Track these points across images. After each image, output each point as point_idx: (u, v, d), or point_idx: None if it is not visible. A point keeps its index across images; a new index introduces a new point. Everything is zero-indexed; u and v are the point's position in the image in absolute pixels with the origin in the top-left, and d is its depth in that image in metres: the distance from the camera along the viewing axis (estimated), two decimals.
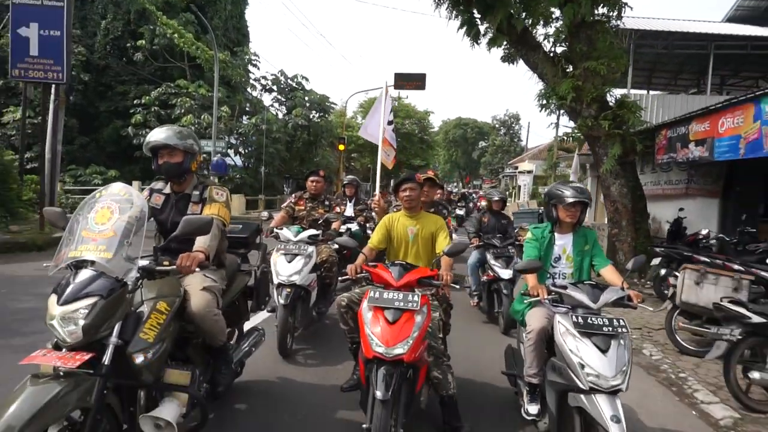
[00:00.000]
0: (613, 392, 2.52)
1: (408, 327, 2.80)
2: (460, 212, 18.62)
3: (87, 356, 2.11)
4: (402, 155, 37.52)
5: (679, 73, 21.82)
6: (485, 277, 6.33)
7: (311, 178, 5.81)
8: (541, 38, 10.90)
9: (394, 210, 4.36)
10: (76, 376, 2.09)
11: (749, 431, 3.51)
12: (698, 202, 11.02)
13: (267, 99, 25.65)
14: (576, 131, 11.32)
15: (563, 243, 3.36)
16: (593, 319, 2.71)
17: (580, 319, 2.71)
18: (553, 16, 10.58)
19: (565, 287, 2.95)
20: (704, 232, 8.31)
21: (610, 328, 2.65)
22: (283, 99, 24.88)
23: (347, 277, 3.27)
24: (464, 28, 11.23)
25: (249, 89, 24.65)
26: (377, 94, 31.93)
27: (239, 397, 3.65)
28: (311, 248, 4.87)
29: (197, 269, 2.65)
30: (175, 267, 2.53)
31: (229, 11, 25.76)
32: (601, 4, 10.12)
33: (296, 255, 4.73)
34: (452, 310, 3.86)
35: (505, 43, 11.03)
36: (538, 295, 2.99)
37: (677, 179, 11.66)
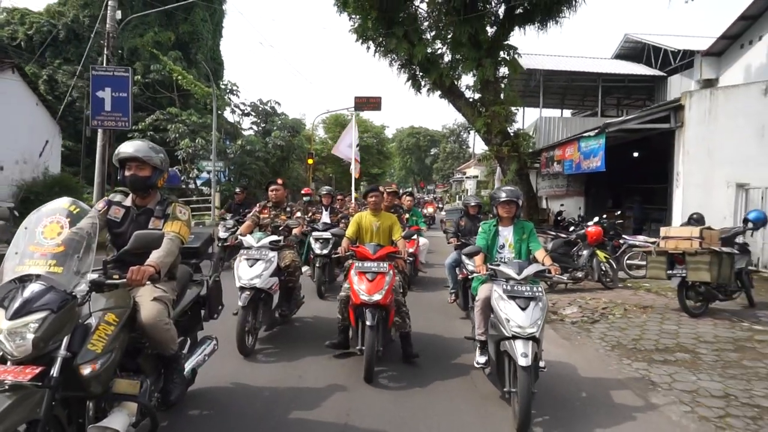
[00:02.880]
0: (530, 338, 3.35)
1: (381, 282, 4.25)
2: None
3: (38, 370, 2.12)
4: (362, 165, 42.03)
5: (584, 96, 27.15)
6: (460, 276, 6.55)
7: (271, 188, 6.00)
8: (463, 89, 15.72)
9: (362, 210, 6.05)
10: (24, 389, 2.07)
11: None
12: (574, 200, 16.05)
13: (246, 122, 29.64)
14: (489, 152, 16.08)
15: (506, 234, 4.17)
16: (518, 287, 3.55)
17: (509, 287, 3.56)
18: (472, 73, 15.27)
19: (498, 265, 3.82)
20: (564, 217, 13.14)
21: (530, 293, 3.50)
22: (261, 122, 28.90)
23: (339, 255, 4.88)
24: (410, 82, 15.92)
25: (230, 114, 28.60)
26: (337, 112, 36.44)
27: (197, 398, 3.71)
28: (272, 254, 5.08)
29: (147, 283, 2.66)
30: (125, 280, 2.53)
31: (210, 45, 29.59)
32: (501, 68, 14.99)
33: (257, 260, 4.94)
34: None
35: (438, 92, 15.71)
36: (481, 273, 3.92)
37: (562, 184, 16.65)
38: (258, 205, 6.09)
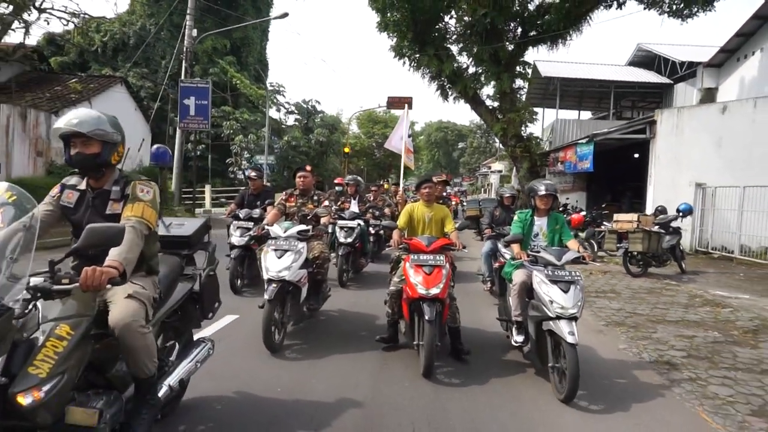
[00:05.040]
0: (572, 318, 3.72)
1: (439, 276, 4.21)
2: None
3: None
4: (392, 159, 45.07)
5: (601, 99, 29.34)
6: (496, 264, 6.63)
7: (299, 174, 5.77)
8: (484, 97, 18.40)
9: (412, 201, 6.20)
10: None
11: None
12: (577, 194, 18.57)
13: (290, 119, 32.89)
14: (505, 152, 18.71)
15: (540, 224, 4.50)
16: (558, 272, 3.93)
17: (550, 272, 3.93)
18: (492, 84, 17.89)
19: (539, 251, 4.18)
20: (568, 209, 15.75)
21: (570, 277, 3.89)
22: (303, 119, 32.06)
23: (392, 247, 4.88)
24: (438, 91, 18.67)
25: (276, 112, 31.84)
26: (370, 110, 39.33)
27: (214, 395, 3.48)
28: (302, 244, 4.89)
29: (108, 286, 2.17)
30: (77, 285, 2.06)
31: (258, 50, 32.81)
32: (517, 81, 17.62)
33: (286, 251, 4.75)
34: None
35: (462, 100, 18.41)
36: (521, 258, 4.23)
37: (569, 180, 19.17)
38: (284, 192, 5.88)
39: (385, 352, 4.65)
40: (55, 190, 2.68)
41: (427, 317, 4.03)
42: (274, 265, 4.64)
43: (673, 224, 9.47)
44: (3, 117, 12.03)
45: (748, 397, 3.81)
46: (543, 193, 4.39)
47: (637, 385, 4.15)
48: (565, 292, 3.78)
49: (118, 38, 29.91)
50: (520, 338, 4.39)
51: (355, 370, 4.20)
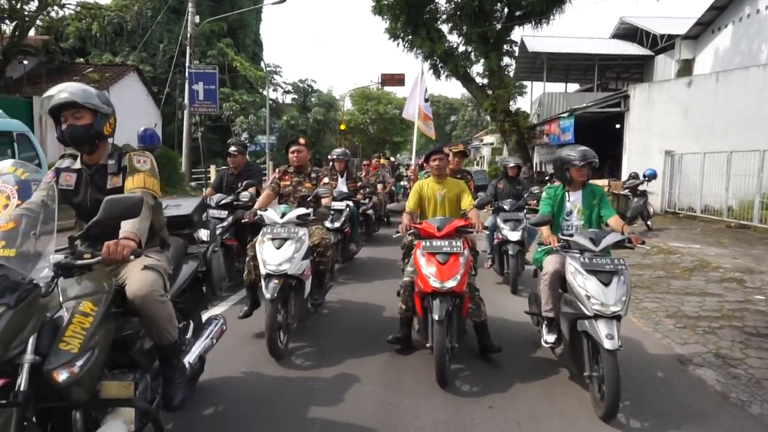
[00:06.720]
0: (614, 317, 3.05)
1: (455, 265, 3.58)
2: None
3: None
4: (386, 134, 46.18)
5: (586, 72, 30.50)
6: (496, 240, 6.50)
7: (292, 148, 5.04)
8: (474, 75, 19.61)
9: (424, 176, 4.93)
10: None
11: None
12: None
13: (287, 98, 33.96)
14: (495, 126, 20.00)
15: (574, 199, 3.83)
16: (597, 259, 3.23)
17: (587, 260, 3.24)
18: (481, 62, 19.11)
19: (571, 235, 3.52)
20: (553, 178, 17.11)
21: (612, 266, 3.17)
22: (301, 99, 33.12)
23: (400, 234, 4.15)
24: (431, 70, 19.85)
25: (273, 92, 32.85)
26: (365, 87, 40.55)
27: (215, 406, 3.19)
28: (303, 230, 4.24)
29: (131, 258, 2.18)
30: (100, 258, 2.06)
31: (254, 31, 33.56)
32: (505, 59, 18.83)
33: (286, 239, 4.12)
34: (480, 279, 4.58)
35: (454, 78, 19.61)
36: (550, 244, 3.56)
37: (554, 151, 20.53)
38: (277, 170, 5.25)
39: (399, 355, 4.08)
40: (49, 175, 2.59)
41: (436, 317, 3.45)
42: (273, 257, 4.04)
43: (640, 188, 10.86)
44: (37, 109, 13.13)
45: (667, 308, 5.26)
46: (580, 164, 3.68)
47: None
48: (606, 284, 3.14)
49: (116, 23, 30.57)
50: (551, 338, 3.74)
51: (364, 376, 3.69)
